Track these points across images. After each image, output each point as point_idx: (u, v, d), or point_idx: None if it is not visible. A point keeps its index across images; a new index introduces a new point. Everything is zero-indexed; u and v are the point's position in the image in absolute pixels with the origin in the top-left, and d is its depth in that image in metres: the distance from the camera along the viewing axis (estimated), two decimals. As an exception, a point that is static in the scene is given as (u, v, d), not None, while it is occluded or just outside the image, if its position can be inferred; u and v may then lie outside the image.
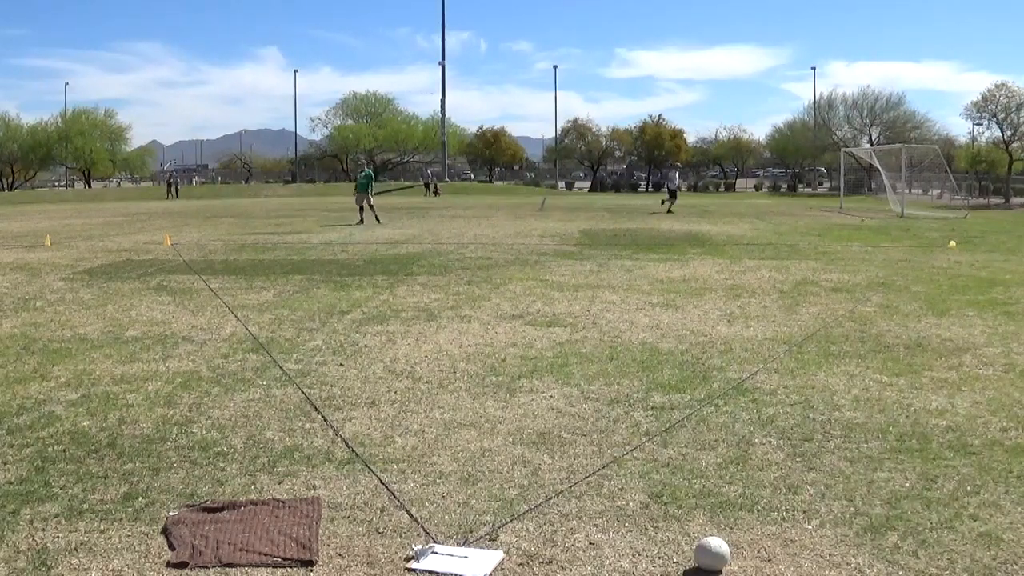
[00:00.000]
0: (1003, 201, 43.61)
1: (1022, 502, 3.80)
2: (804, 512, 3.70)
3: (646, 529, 3.55)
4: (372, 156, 74.78)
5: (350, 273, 11.80)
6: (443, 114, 66.10)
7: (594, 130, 73.48)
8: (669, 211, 27.89)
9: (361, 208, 22.54)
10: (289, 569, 3.24)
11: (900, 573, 3.18)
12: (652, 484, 4.01)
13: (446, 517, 3.67)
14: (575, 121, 74.52)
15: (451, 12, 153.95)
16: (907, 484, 4.01)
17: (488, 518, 3.66)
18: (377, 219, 22.23)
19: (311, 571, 3.22)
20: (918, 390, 5.63)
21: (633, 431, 4.80)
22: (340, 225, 22.03)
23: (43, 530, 3.54)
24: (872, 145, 49.58)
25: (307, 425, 4.93)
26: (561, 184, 70.43)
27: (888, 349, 6.85)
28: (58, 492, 3.93)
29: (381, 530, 3.55)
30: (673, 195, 29.21)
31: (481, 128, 77.53)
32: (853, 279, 11.06)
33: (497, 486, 4.00)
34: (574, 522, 3.62)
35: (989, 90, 47.16)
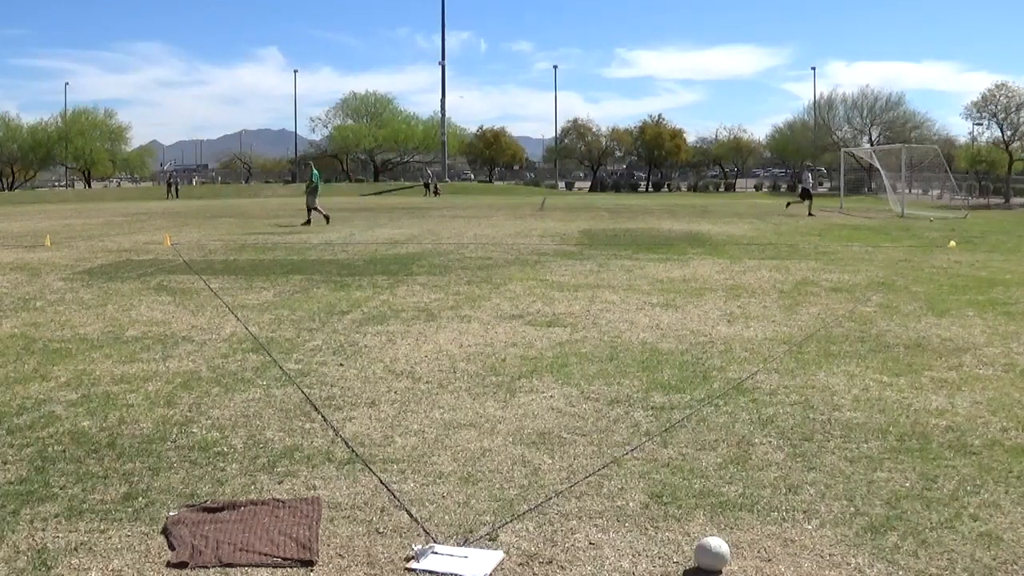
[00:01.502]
0: (1003, 201, 43.64)
1: (1022, 502, 3.80)
2: (804, 512, 3.70)
3: (646, 529, 3.55)
4: (372, 156, 74.82)
5: (350, 273, 11.80)
6: (443, 114, 66.20)
7: (594, 130, 73.64)
8: (810, 213, 26.52)
9: (313, 209, 22.01)
10: (289, 569, 3.24)
11: (900, 573, 3.18)
12: (652, 484, 4.01)
13: (446, 517, 3.67)
14: (575, 121, 74.68)
15: (451, 12, 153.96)
16: (907, 484, 4.01)
17: (488, 518, 3.66)
18: (308, 221, 21.71)
19: (311, 571, 3.22)
20: (918, 390, 5.63)
21: (633, 431, 4.80)
22: (307, 226, 22.03)
23: (43, 530, 3.54)
24: (872, 145, 49.61)
25: (307, 425, 4.93)
26: (561, 184, 70.47)
27: (888, 349, 6.85)
28: (58, 492, 3.93)
29: (381, 530, 3.55)
30: (807, 194, 27.64)
31: (481, 128, 77.64)
32: (853, 279, 11.07)
33: (497, 486, 4.00)
34: (574, 522, 3.62)
35: (989, 90, 47.33)
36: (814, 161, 65.02)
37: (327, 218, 21.88)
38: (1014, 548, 3.36)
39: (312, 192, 22.27)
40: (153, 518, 3.66)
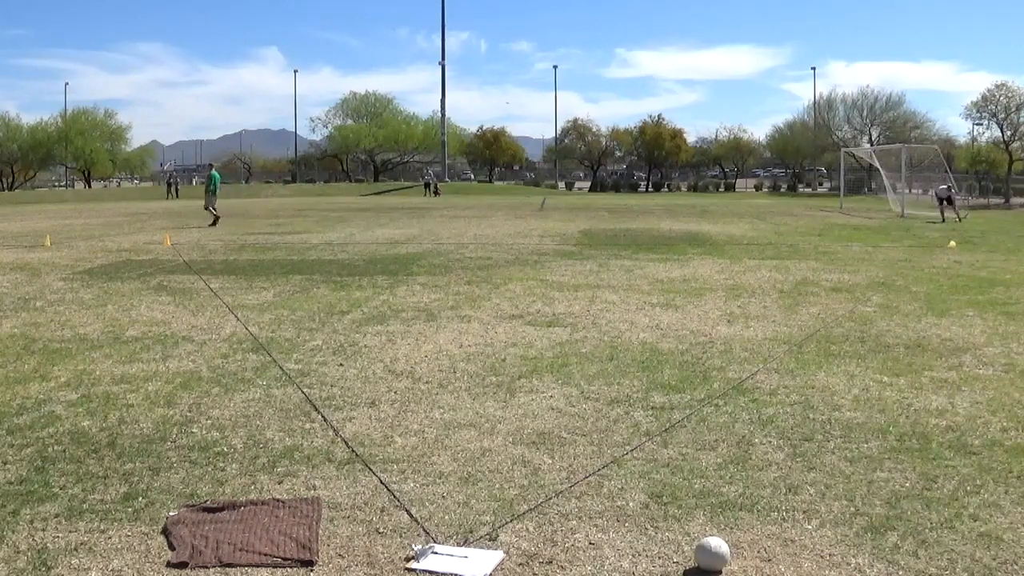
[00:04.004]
0: (1003, 201, 43.64)
1: (1022, 502, 3.80)
2: (804, 512, 3.70)
3: (646, 529, 3.55)
4: (372, 156, 74.83)
5: (350, 273, 11.80)
6: (443, 114, 66.17)
7: (594, 130, 73.54)
8: (959, 219, 24.77)
9: (209, 208, 22.55)
10: (289, 569, 3.24)
11: (900, 573, 3.18)
12: (652, 484, 4.01)
13: (446, 517, 3.67)
14: (575, 121, 74.59)
15: (451, 12, 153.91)
16: (907, 484, 4.01)
17: (488, 518, 3.66)
18: (214, 222, 22.01)
19: (311, 571, 3.22)
20: (918, 390, 5.63)
21: (633, 431, 4.80)
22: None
23: (43, 530, 3.54)
24: (872, 145, 49.58)
25: (307, 425, 4.93)
26: (561, 184, 70.43)
27: (888, 349, 6.85)
28: (58, 492, 3.93)
29: (381, 530, 3.55)
30: (948, 201, 25.60)
31: (481, 128, 77.57)
32: (853, 279, 11.07)
33: (497, 486, 4.00)
34: (574, 522, 3.62)
35: (989, 90, 47.37)
36: (814, 161, 65.00)
37: (216, 220, 22.21)
38: (1014, 548, 3.36)
39: (211, 193, 22.88)
40: (153, 518, 3.66)
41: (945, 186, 26.52)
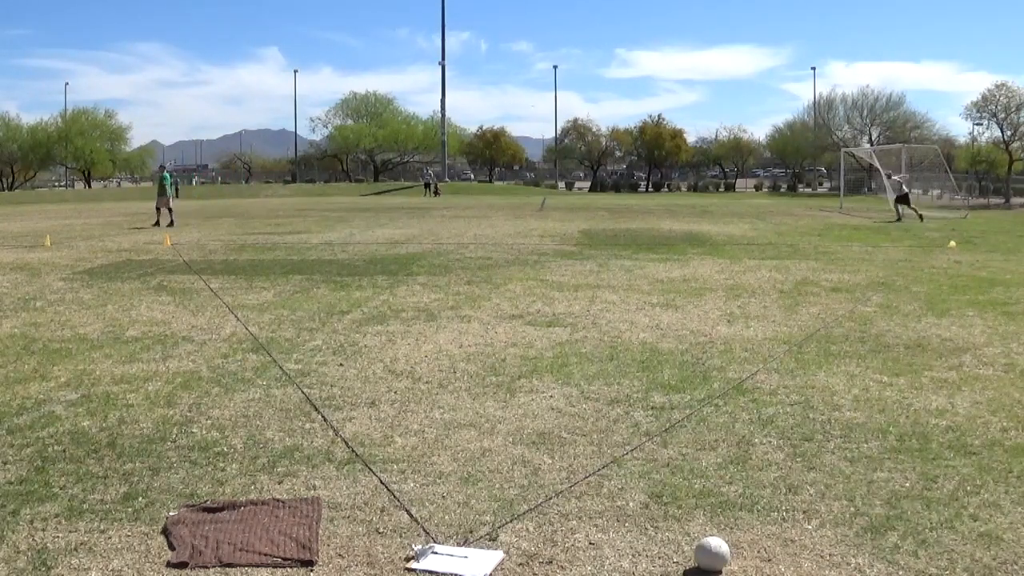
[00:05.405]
0: (1003, 201, 43.64)
1: (1022, 502, 3.80)
2: (804, 512, 3.70)
3: (646, 529, 3.55)
4: (372, 156, 74.83)
5: (350, 273, 11.80)
6: (443, 114, 66.14)
7: (594, 130, 73.53)
8: (899, 219, 24.43)
9: (158, 210, 22.57)
10: (289, 569, 3.24)
11: (900, 573, 3.18)
12: (652, 484, 4.01)
13: (446, 517, 3.67)
14: (575, 121, 74.59)
15: (451, 12, 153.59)
16: (907, 484, 4.01)
17: (488, 518, 3.66)
18: (171, 222, 22.06)
19: (311, 571, 3.22)
20: (918, 390, 5.63)
21: (633, 431, 4.80)
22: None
23: (43, 530, 3.54)
24: (872, 145, 49.55)
25: (307, 425, 4.93)
26: (561, 184, 70.43)
27: (888, 349, 6.85)
28: (58, 492, 3.93)
29: (381, 530, 3.55)
30: (904, 199, 25.14)
31: (481, 128, 77.56)
32: (853, 279, 11.07)
33: (497, 486, 4.00)
34: (574, 522, 3.62)
35: (989, 90, 47.33)
36: (814, 161, 64.98)
37: (171, 223, 22.08)
38: (1014, 548, 3.36)
39: (161, 194, 23.00)
40: (153, 518, 3.66)
41: (898, 179, 26.27)
